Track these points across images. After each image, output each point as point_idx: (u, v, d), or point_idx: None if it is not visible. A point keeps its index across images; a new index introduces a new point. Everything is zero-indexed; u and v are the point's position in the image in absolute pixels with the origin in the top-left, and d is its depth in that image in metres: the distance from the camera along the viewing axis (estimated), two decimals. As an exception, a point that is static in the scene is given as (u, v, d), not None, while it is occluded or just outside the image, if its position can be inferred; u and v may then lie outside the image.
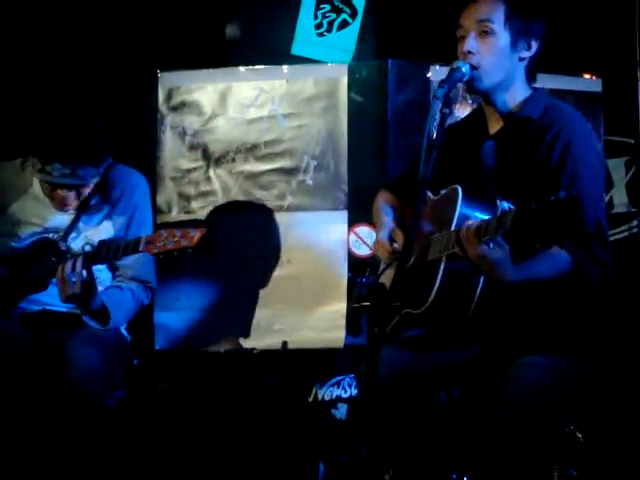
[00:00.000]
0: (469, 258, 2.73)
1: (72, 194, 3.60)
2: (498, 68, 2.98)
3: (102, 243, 3.46)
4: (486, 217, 2.74)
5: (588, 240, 2.80)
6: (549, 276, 2.83)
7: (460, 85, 3.00)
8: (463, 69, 2.93)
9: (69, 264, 3.45)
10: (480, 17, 2.96)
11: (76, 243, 3.67)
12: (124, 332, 3.78)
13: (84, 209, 3.71)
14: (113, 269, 3.74)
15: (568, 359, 2.91)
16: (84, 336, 3.53)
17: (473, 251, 2.70)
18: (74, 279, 3.43)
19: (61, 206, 3.65)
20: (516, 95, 3.03)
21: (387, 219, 3.25)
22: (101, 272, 3.66)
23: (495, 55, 2.96)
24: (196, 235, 3.30)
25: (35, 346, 3.62)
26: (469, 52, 2.94)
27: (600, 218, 2.90)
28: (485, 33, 2.94)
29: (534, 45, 3.00)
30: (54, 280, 3.51)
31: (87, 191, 3.63)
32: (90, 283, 3.47)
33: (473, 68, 2.94)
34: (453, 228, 2.88)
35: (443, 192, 3.07)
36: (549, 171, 2.88)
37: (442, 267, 2.90)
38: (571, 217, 2.41)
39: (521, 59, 3.01)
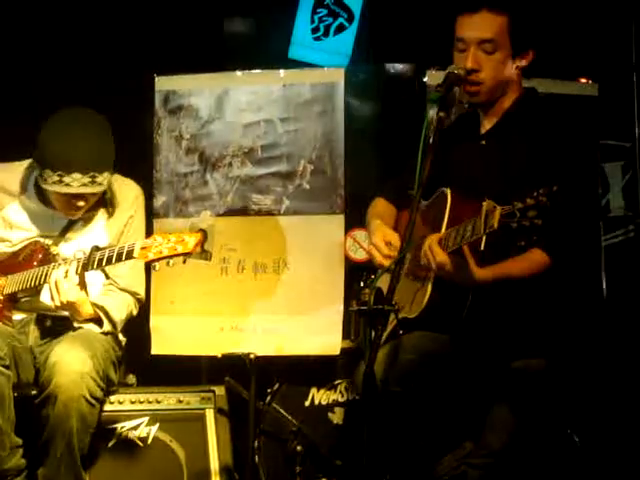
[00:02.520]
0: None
1: (87, 202, 3.59)
2: (499, 81, 3.01)
3: (95, 249, 3.43)
4: (473, 219, 2.74)
5: (573, 236, 2.80)
6: (522, 274, 2.83)
7: (456, 89, 3.01)
8: (459, 73, 2.94)
9: (62, 271, 3.43)
10: (483, 36, 2.96)
11: (68, 249, 3.66)
12: (119, 335, 3.76)
13: (79, 217, 3.70)
14: (105, 277, 3.73)
15: (561, 361, 2.91)
16: (76, 340, 3.52)
17: (433, 262, 2.74)
18: (67, 286, 3.41)
19: (71, 214, 3.63)
20: (510, 97, 3.05)
21: (380, 224, 3.26)
22: (92, 279, 3.64)
23: (498, 70, 2.99)
24: (192, 241, 3.25)
25: (31, 350, 3.63)
26: (473, 69, 2.96)
27: (588, 213, 2.90)
28: (489, 51, 2.96)
29: (530, 54, 3.02)
30: (46, 285, 3.51)
31: (98, 197, 3.63)
32: (83, 290, 3.45)
33: (476, 84, 2.97)
34: (443, 231, 2.89)
35: (433, 195, 3.08)
36: (536, 167, 2.90)
37: (434, 271, 2.91)
38: (555, 214, 2.42)
39: (518, 67, 3.03)
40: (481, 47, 2.96)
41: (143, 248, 3.30)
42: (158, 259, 3.28)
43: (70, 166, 3.46)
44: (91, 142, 3.52)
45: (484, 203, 2.57)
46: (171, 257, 3.26)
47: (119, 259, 3.37)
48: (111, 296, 3.69)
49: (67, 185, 3.48)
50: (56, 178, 3.48)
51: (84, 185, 3.49)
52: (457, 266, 2.77)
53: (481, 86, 2.98)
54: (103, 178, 3.52)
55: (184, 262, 3.29)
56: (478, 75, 2.96)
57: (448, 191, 2.98)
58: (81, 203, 3.56)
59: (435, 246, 2.77)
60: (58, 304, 3.44)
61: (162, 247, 3.27)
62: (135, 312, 3.79)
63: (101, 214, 3.73)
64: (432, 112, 2.81)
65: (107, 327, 3.61)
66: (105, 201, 3.71)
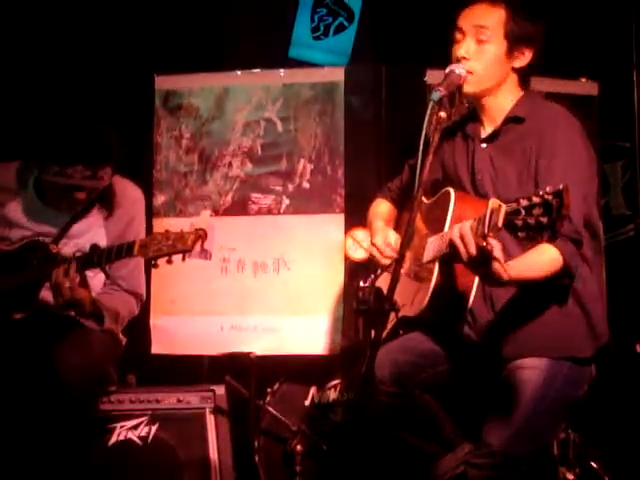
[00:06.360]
0: (463, 259, 2.69)
1: (87, 196, 3.58)
2: (491, 75, 2.98)
3: (95, 247, 3.42)
4: (479, 217, 2.72)
5: (576, 235, 2.79)
6: (541, 274, 2.80)
7: (457, 88, 3.00)
8: (459, 72, 2.93)
9: (62, 268, 3.43)
10: (478, 22, 2.95)
11: (67, 248, 3.66)
12: (120, 335, 3.76)
13: (79, 215, 3.70)
14: (105, 277, 3.73)
15: (565, 361, 2.91)
16: (75, 339, 3.52)
17: (468, 249, 2.67)
18: (68, 284, 3.41)
19: (71, 208, 3.62)
20: (508, 99, 3.03)
21: (381, 224, 3.25)
22: (93, 280, 3.64)
23: (489, 62, 2.96)
24: (191, 238, 3.23)
25: (27, 349, 3.62)
26: (463, 57, 2.94)
27: (589, 214, 2.89)
28: (482, 40, 2.95)
29: (528, 53, 3.00)
30: (47, 284, 3.50)
31: (98, 192, 3.63)
32: (84, 288, 3.45)
33: (467, 72, 2.95)
34: (446, 231, 2.88)
35: (436, 195, 3.08)
36: (537, 168, 2.88)
37: (436, 270, 2.90)
38: (560, 211, 2.41)
39: (514, 66, 3.01)
40: (475, 36, 2.95)
41: (142, 246, 3.30)
42: (158, 256, 3.27)
43: (72, 158, 3.46)
44: (94, 136, 3.52)
45: (490, 201, 2.56)
46: (170, 254, 3.26)
47: (119, 256, 3.36)
48: (113, 295, 3.69)
49: (68, 177, 3.48)
50: (56, 169, 3.48)
51: (85, 178, 3.49)
52: (482, 261, 2.68)
53: (471, 75, 2.96)
54: (104, 172, 3.53)
55: (183, 260, 3.28)
56: (469, 64, 2.95)
57: (452, 191, 2.97)
58: (81, 195, 3.55)
59: (469, 233, 2.61)
60: (61, 303, 3.44)
61: (162, 245, 3.26)
62: (136, 312, 3.79)
63: (99, 212, 3.72)
64: (432, 112, 2.80)
65: (108, 324, 3.61)
66: (104, 198, 3.70)
